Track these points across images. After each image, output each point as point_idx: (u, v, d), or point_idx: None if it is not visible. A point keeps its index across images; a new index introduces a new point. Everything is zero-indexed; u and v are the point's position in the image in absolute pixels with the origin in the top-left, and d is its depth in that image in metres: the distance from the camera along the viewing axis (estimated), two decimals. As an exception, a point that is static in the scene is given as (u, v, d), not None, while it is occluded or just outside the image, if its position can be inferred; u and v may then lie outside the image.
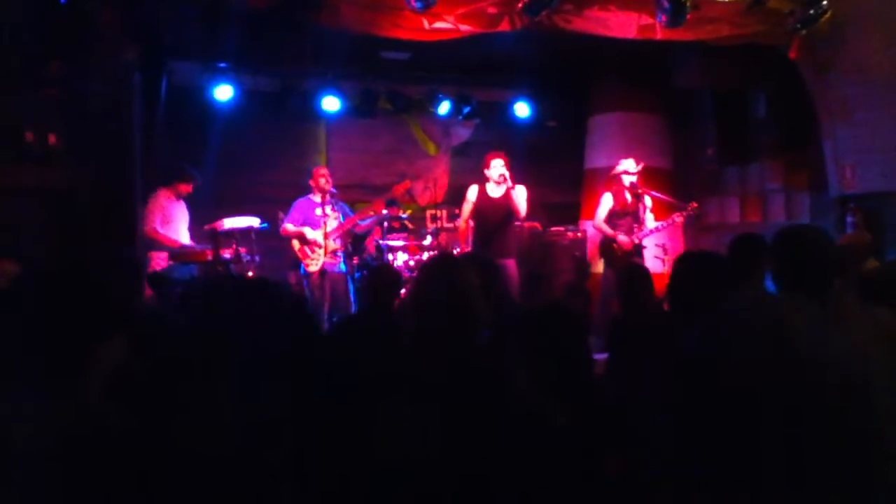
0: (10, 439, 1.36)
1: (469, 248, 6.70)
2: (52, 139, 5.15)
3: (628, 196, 6.87)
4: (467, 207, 6.65)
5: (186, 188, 6.88)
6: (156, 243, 6.54)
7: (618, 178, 6.94)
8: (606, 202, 6.96)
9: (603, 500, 1.46)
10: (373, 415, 1.72)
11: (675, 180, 9.00)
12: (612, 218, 6.93)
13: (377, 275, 4.19)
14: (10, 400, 1.43)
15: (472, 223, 6.70)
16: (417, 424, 1.86)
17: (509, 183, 6.32)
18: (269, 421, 1.71)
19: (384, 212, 7.25)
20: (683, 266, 3.02)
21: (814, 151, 7.40)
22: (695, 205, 6.76)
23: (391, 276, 4.17)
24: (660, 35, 6.54)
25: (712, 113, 9.13)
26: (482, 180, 6.61)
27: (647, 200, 6.90)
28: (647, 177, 7.35)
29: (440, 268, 2.29)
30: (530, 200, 6.59)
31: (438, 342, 1.93)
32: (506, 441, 1.56)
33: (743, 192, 8.87)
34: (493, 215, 6.51)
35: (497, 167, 6.45)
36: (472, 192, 6.62)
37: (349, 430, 1.70)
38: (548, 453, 1.54)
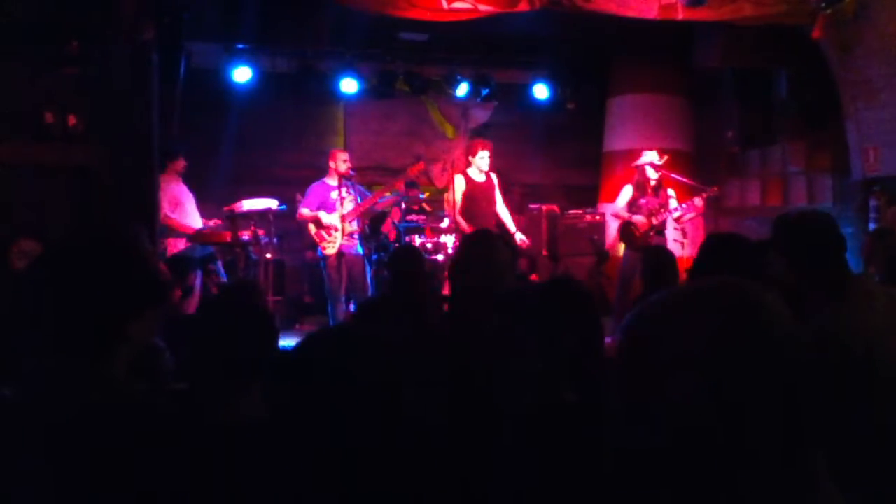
0: (33, 413, 1.37)
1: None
2: (71, 119, 5.17)
3: (649, 187, 6.87)
4: (459, 197, 6.73)
5: (181, 165, 6.89)
6: (170, 229, 6.57)
7: (641, 169, 6.92)
8: (626, 193, 6.97)
9: (611, 479, 1.44)
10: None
11: (696, 162, 8.92)
12: (633, 206, 6.92)
13: (403, 255, 4.17)
14: (32, 375, 1.44)
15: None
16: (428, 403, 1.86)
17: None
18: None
19: (400, 191, 7.27)
20: (709, 249, 2.74)
21: (837, 133, 7.29)
22: (715, 189, 6.74)
23: (417, 256, 4.16)
24: (681, 15, 6.47)
25: (734, 94, 9.02)
26: (464, 167, 6.87)
27: (671, 192, 6.90)
28: (668, 160, 7.30)
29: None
30: (549, 184, 6.68)
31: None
32: (513, 418, 1.56)
33: (764, 174, 8.76)
34: (484, 199, 6.77)
35: (485, 157, 6.75)
36: (461, 182, 6.77)
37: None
38: (558, 430, 1.53)
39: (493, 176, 6.92)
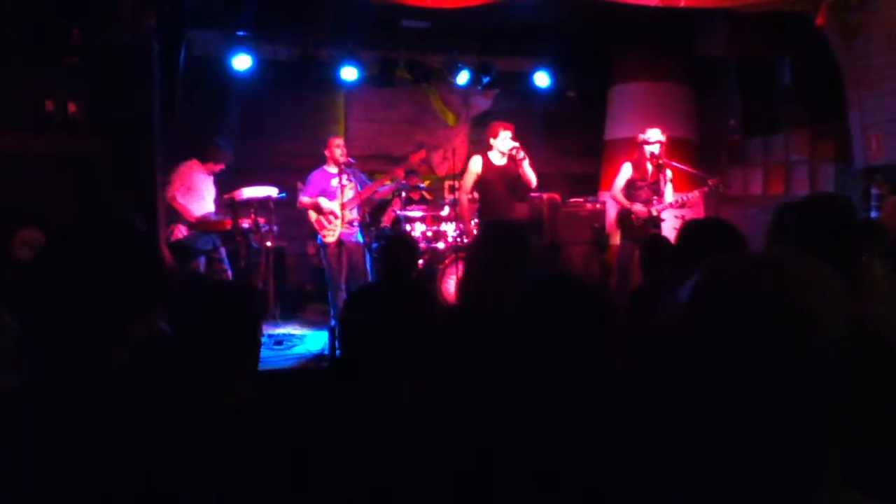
0: (32, 406, 1.37)
1: (473, 223, 6.73)
2: (71, 107, 5.16)
3: (649, 167, 6.81)
4: (470, 179, 6.55)
5: (218, 166, 6.93)
6: (175, 212, 6.58)
7: (642, 146, 6.86)
8: (625, 172, 6.91)
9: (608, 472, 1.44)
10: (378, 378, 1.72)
11: (698, 151, 8.90)
12: (630, 188, 6.88)
13: (394, 243, 4.18)
14: (40, 366, 1.44)
15: (475, 195, 6.66)
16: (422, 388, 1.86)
17: (521, 154, 6.31)
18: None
19: (399, 179, 7.23)
20: (686, 235, 2.76)
21: (840, 122, 7.26)
22: (715, 181, 6.69)
23: (409, 244, 4.16)
24: (683, 2, 6.42)
25: (736, 82, 8.98)
26: (485, 149, 6.60)
27: (669, 173, 6.83)
28: (670, 147, 7.26)
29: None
30: (550, 172, 6.58)
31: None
32: (506, 414, 1.55)
33: (766, 163, 8.74)
34: (501, 184, 6.49)
35: (506, 138, 6.45)
36: (477, 163, 6.54)
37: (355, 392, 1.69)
38: (549, 428, 1.52)
39: (527, 165, 6.42)
